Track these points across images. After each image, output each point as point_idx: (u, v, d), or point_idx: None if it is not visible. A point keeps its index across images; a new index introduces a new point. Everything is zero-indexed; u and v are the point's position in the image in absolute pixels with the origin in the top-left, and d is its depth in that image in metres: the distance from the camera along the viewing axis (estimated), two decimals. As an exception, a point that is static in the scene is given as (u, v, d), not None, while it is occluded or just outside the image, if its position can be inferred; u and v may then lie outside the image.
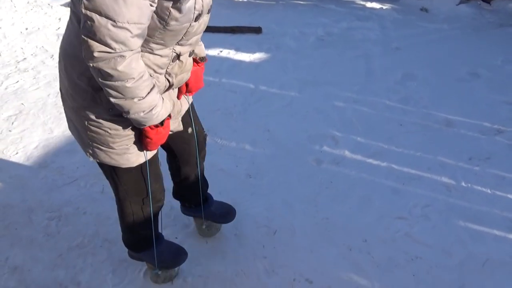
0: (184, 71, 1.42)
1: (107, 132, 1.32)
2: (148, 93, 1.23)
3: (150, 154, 1.46)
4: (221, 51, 3.92)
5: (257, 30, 4.32)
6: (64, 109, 1.41)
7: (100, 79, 1.15)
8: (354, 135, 2.70)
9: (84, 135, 1.36)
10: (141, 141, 1.38)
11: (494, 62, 3.67)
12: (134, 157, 1.41)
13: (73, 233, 2.01)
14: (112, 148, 1.36)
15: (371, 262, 1.87)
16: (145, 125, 1.30)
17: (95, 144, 1.36)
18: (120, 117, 1.29)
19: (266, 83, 3.35)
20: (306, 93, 3.19)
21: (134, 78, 1.17)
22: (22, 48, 3.96)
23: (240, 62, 3.74)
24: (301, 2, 5.40)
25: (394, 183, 2.31)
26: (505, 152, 2.57)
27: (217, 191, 2.23)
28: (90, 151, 1.39)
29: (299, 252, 1.91)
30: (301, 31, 4.32)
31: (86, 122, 1.31)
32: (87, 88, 1.26)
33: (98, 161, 1.41)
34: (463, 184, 2.31)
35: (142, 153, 1.42)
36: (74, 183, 2.29)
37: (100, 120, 1.30)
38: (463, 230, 2.02)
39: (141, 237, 1.67)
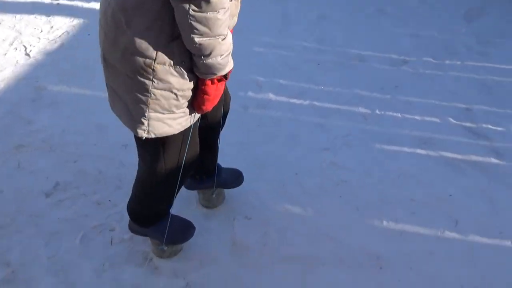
0: (236, 13, 1.33)
1: (174, 93, 1.22)
2: (227, 33, 1.17)
3: (196, 118, 1.37)
4: None
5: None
6: (110, 84, 1.29)
7: (191, 11, 1.06)
8: (276, 78, 2.76)
9: (138, 108, 1.23)
10: (197, 101, 1.28)
11: (398, -1, 3.89)
12: (185, 121, 1.32)
13: (-7, 213, 1.88)
14: (173, 112, 1.26)
15: (303, 192, 2.01)
16: (216, 74, 1.21)
17: (153, 114, 1.24)
18: (188, 73, 1.20)
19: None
20: (225, 42, 3.16)
21: (224, 8, 1.10)
22: None
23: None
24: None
25: (317, 119, 2.44)
26: (410, 80, 2.81)
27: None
28: (145, 126, 1.25)
29: (235, 194, 1.98)
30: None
31: (150, 86, 1.18)
32: (158, 40, 1.14)
33: (153, 135, 1.28)
34: (377, 112, 2.51)
35: (190, 117, 1.33)
36: (-15, 161, 2.11)
37: (169, 78, 1.19)
38: (379, 152, 2.23)
39: (157, 211, 1.58)
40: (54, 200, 1.94)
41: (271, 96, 2.62)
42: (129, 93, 1.23)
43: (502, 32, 3.43)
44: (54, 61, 2.87)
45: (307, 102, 2.57)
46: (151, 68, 1.16)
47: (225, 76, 1.28)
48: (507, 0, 3.92)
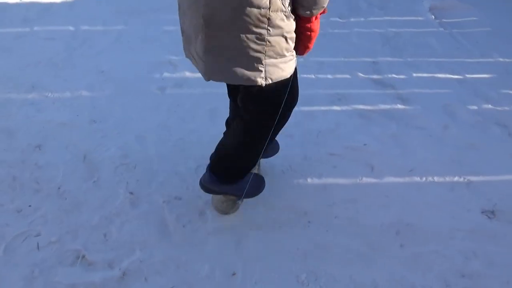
0: None
1: (284, 36, 1.30)
2: None
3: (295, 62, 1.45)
4: (22, -4, 3.39)
5: (60, -35, 3.80)
6: (215, 47, 1.32)
7: None
8: (190, 55, 2.72)
9: (255, 58, 1.31)
10: (302, 41, 1.38)
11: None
12: (293, 63, 1.41)
13: None
14: (284, 56, 1.34)
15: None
16: (324, 7, 1.29)
17: (268, 61, 1.32)
18: (292, 15, 1.29)
19: (87, 22, 3.08)
20: (132, 24, 3.04)
21: None
22: None
23: (51, 5, 3.32)
24: None
25: (235, 90, 2.47)
26: (321, 41, 2.90)
27: (63, 146, 2.10)
28: (263, 74, 1.34)
29: (162, 177, 1.97)
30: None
31: (266, 34, 1.26)
32: None
33: (270, 81, 1.36)
34: (292, 76, 2.59)
35: (295, 59, 1.43)
36: None
37: (280, 23, 1.27)
38: (297, 113, 2.30)
39: (253, 164, 1.68)
40: (-34, 216, 1.80)
41: (188, 74, 2.60)
42: (244, 47, 1.29)
43: (397, -14, 3.65)
44: None
45: (224, 75, 2.58)
46: (266, 17, 1.24)
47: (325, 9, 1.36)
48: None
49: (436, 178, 1.96)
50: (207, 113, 2.32)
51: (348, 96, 2.44)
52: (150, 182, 1.94)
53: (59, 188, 1.91)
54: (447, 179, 1.97)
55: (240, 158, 1.66)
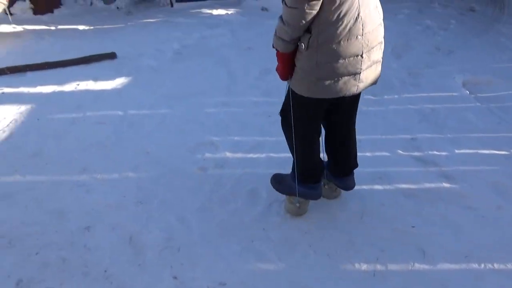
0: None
1: None
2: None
3: None
4: (78, 85, 3.73)
5: (112, 56, 4.21)
6: (375, 60, 1.77)
7: None
8: (230, 136, 2.84)
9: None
10: None
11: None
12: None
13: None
14: None
15: (272, 246, 2.01)
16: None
17: None
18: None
19: (134, 107, 3.30)
20: (177, 107, 3.23)
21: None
22: None
23: (102, 92, 3.61)
24: (151, 20, 5.41)
25: (275, 170, 2.50)
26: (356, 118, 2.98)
27: (110, 227, 2.15)
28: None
29: (206, 261, 1.95)
30: (157, 49, 4.35)
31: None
32: None
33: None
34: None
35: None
36: None
37: None
38: (341, 192, 2.30)
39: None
40: (17, 300, 1.82)
41: (228, 154, 2.68)
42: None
43: (427, 63, 3.77)
44: (4, 151, 2.80)
45: (263, 155, 2.65)
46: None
47: None
48: (428, 35, 4.34)
49: (496, 265, 1.84)
50: (248, 194, 2.35)
51: (390, 174, 2.42)
52: (194, 266, 1.93)
53: (105, 271, 1.92)
54: (509, 266, 1.84)
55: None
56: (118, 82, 3.73)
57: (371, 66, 1.76)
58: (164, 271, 1.91)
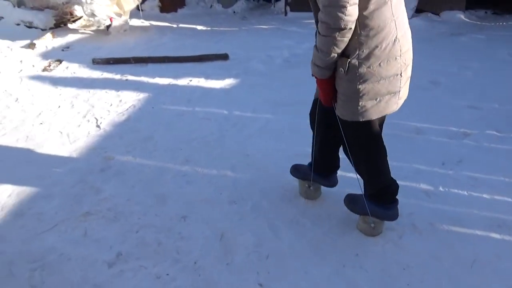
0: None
1: None
2: None
3: None
4: (191, 80, 3.96)
5: (224, 57, 4.40)
6: (406, 79, 1.84)
7: None
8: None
9: None
10: None
11: (451, 70, 3.88)
12: None
13: (59, 282, 1.92)
14: None
15: (365, 275, 1.89)
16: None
17: None
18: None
19: (239, 108, 3.39)
20: (280, 114, 3.25)
21: None
22: (-17, 94, 3.83)
23: (211, 90, 3.78)
24: (264, 27, 5.57)
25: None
26: (474, 154, 2.70)
27: (204, 221, 2.22)
28: None
29: (294, 276, 1.90)
30: (268, 54, 4.43)
31: None
32: None
33: None
34: (440, 189, 2.39)
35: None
36: (54, 229, 2.21)
37: None
38: (448, 233, 2.09)
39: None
40: (116, 271, 1.95)
41: (328, 169, 2.59)
42: None
43: None
44: (121, 133, 3.07)
45: (364, 177, 2.51)
46: None
47: None
48: None
49: None
50: (344, 216, 2.23)
51: (511, 224, 2.13)
52: (281, 279, 1.89)
53: (195, 262, 1.98)
54: None
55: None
56: (226, 82, 3.88)
57: (406, 82, 1.83)
58: (251, 276, 1.90)
